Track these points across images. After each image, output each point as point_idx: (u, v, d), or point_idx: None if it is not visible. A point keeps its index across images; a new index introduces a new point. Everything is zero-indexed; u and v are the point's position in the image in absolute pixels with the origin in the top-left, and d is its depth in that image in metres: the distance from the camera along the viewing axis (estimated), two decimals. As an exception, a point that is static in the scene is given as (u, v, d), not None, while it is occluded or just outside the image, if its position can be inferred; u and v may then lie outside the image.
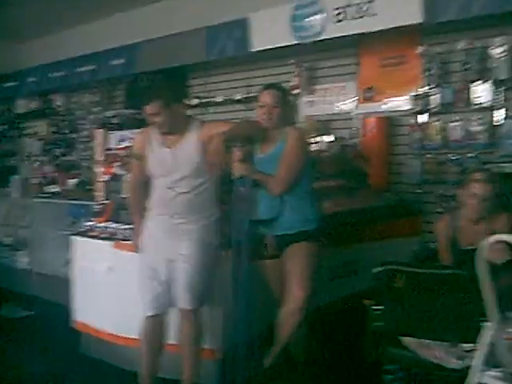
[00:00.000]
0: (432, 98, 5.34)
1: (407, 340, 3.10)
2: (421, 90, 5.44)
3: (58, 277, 5.56)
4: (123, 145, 4.76)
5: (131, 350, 3.94)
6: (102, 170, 4.98)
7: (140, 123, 6.48)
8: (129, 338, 4.02)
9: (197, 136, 3.58)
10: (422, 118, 5.45)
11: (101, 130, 5.09)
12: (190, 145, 3.57)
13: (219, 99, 6.85)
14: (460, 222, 3.59)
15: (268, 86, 3.79)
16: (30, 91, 9.13)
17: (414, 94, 5.48)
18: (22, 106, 9.49)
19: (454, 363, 2.97)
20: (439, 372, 3.04)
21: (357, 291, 4.52)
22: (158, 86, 4.12)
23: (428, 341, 3.01)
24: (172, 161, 3.57)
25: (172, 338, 3.70)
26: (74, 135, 8.66)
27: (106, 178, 4.86)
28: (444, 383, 3.10)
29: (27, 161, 8.95)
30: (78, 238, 4.55)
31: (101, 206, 4.65)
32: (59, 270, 5.63)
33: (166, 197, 3.60)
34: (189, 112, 5.54)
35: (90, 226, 4.51)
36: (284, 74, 6.30)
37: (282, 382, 3.55)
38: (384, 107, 5.85)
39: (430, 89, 5.36)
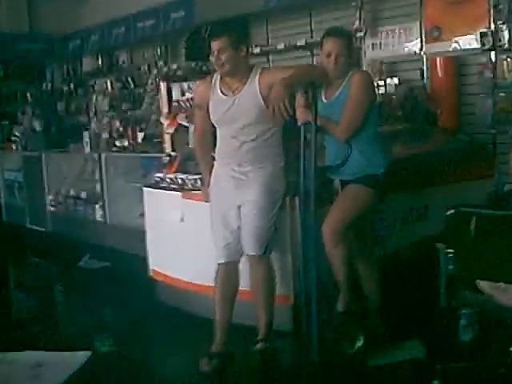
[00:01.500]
0: (501, 34, 5.13)
1: (482, 283, 3.05)
2: (489, 28, 5.23)
3: (132, 228, 5.69)
4: (187, 96, 4.77)
5: (206, 298, 4.03)
6: (168, 121, 5.03)
7: (203, 75, 6.55)
8: (203, 286, 4.11)
9: (258, 82, 3.54)
10: (492, 56, 5.26)
11: (164, 82, 5.11)
12: (251, 92, 3.54)
13: (281, 46, 6.76)
14: None
15: (331, 32, 3.67)
16: (94, 49, 9.29)
17: (482, 31, 5.27)
18: (87, 64, 9.68)
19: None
20: (512, 315, 2.99)
21: (430, 236, 4.51)
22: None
23: (504, 284, 2.95)
24: (234, 108, 3.55)
25: (247, 284, 3.75)
26: (139, 90, 8.79)
27: (172, 129, 4.91)
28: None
29: (96, 117, 9.16)
30: (150, 190, 4.65)
31: (169, 158, 4.71)
32: (133, 221, 5.77)
33: (231, 146, 3.61)
34: (251, 61, 5.51)
35: (159, 177, 4.58)
36: (346, 17, 6.16)
37: (356, 327, 3.56)
38: (451, 46, 5.65)
39: (498, 25, 5.14)
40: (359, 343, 3.53)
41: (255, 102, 3.53)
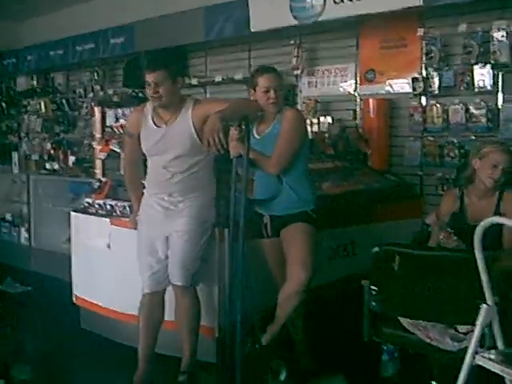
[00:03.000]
0: (432, 80, 5.32)
1: (403, 321, 3.12)
2: (421, 73, 5.43)
3: (57, 253, 5.59)
4: (121, 122, 4.76)
5: (130, 326, 3.97)
6: (100, 147, 5.00)
7: (139, 101, 6.53)
8: (128, 314, 4.05)
9: (191, 115, 3.56)
10: (423, 101, 5.45)
11: (99, 107, 5.08)
12: (183, 123, 3.56)
13: (218, 79, 6.81)
14: (469, 197, 3.54)
15: (267, 69, 3.73)
16: (30, 69, 9.14)
17: (414, 76, 5.47)
18: (22, 83, 9.50)
19: (449, 345, 2.99)
20: (434, 353, 3.06)
21: (355, 273, 4.58)
22: (165, 56, 4.09)
23: (424, 322, 3.03)
24: (165, 140, 3.55)
25: (170, 315, 3.71)
26: (74, 113, 8.68)
27: (104, 155, 4.87)
28: (439, 364, 3.13)
29: (27, 138, 8.98)
30: (77, 215, 4.59)
31: (99, 183, 4.66)
32: (59, 246, 5.68)
33: (162, 176, 3.61)
34: (188, 91, 5.54)
35: (88, 202, 4.52)
36: (283, 54, 6.28)
37: (280, 360, 3.56)
38: (384, 89, 5.84)
39: (430, 72, 5.35)
40: (282, 376, 3.53)
41: (187, 133, 3.54)
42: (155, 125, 3.61)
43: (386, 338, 3.26)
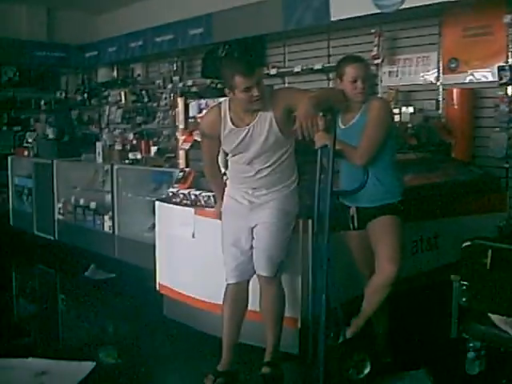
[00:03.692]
0: (519, 69, 5.16)
1: (494, 317, 3.04)
2: (507, 62, 5.26)
3: (140, 241, 5.71)
4: (204, 113, 4.79)
5: (213, 315, 4.02)
6: (184, 137, 5.05)
7: (218, 93, 6.59)
8: (211, 303, 4.10)
9: (271, 109, 3.50)
10: (509, 91, 5.28)
11: (182, 98, 5.14)
12: (265, 119, 3.51)
13: (297, 69, 6.79)
14: None
15: (355, 59, 3.67)
16: (110, 60, 9.36)
17: (500, 65, 5.31)
18: (103, 75, 9.74)
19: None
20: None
21: (438, 266, 4.51)
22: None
23: (517, 319, 2.95)
24: (248, 138, 3.53)
25: (255, 304, 3.74)
26: (153, 104, 8.85)
27: (188, 145, 4.92)
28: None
29: (107, 128, 9.22)
30: (162, 204, 4.65)
31: (182, 173, 4.72)
32: (142, 234, 5.80)
33: (245, 172, 3.61)
34: (266, 82, 5.52)
35: (172, 192, 4.58)
36: (364, 43, 6.21)
37: (363, 354, 3.54)
38: (468, 78, 5.71)
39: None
40: (366, 370, 3.51)
41: (270, 129, 3.51)
42: (234, 125, 3.56)
43: (475, 334, 3.17)
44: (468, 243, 2.99)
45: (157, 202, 4.72)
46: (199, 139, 4.63)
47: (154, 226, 4.88)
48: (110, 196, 6.23)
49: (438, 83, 5.89)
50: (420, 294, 4.25)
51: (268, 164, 3.56)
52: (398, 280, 3.46)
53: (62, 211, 6.98)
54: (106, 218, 6.22)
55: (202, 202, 4.30)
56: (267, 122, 3.51)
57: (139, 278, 5.31)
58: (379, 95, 6.11)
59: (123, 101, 9.15)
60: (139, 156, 6.10)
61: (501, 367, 3.48)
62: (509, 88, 5.29)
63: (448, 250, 4.50)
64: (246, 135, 3.53)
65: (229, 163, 3.77)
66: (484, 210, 4.89)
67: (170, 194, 4.61)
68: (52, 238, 7.15)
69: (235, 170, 3.70)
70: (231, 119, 3.57)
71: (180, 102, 5.09)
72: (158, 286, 4.71)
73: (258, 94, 3.40)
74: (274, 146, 3.54)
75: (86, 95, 9.86)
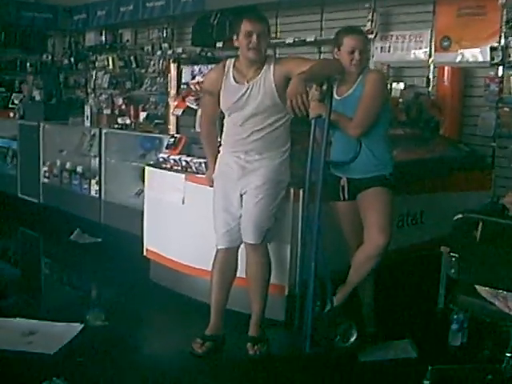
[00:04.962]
0: (511, 50, 5.18)
1: (482, 289, 3.09)
2: (500, 42, 5.28)
3: (127, 206, 5.70)
4: (197, 79, 4.77)
5: (200, 281, 4.05)
6: (176, 103, 5.02)
7: (208, 61, 6.55)
8: (200, 269, 4.12)
9: (272, 72, 3.54)
10: (500, 71, 5.31)
11: (175, 64, 5.10)
12: (265, 80, 3.54)
13: (289, 41, 6.76)
14: None
15: (353, 30, 3.69)
16: (99, 25, 9.23)
17: (492, 45, 5.33)
18: (91, 39, 9.62)
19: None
20: (510, 323, 3.04)
21: (423, 240, 4.57)
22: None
23: (504, 292, 3.00)
24: (246, 96, 3.55)
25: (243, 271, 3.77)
26: (141, 70, 8.77)
27: (180, 111, 4.90)
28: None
29: (94, 93, 9.12)
30: (152, 169, 4.65)
31: (174, 139, 4.70)
32: (128, 200, 5.79)
33: (239, 134, 3.61)
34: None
35: (163, 158, 4.57)
36: (357, 18, 6.18)
37: (350, 322, 3.59)
38: (460, 58, 5.72)
39: (510, 41, 5.19)
40: (352, 339, 3.56)
41: (268, 90, 3.53)
42: (236, 82, 3.61)
43: (462, 306, 3.24)
44: (460, 215, 3.03)
45: (147, 167, 4.71)
46: (191, 105, 4.63)
47: (140, 191, 4.87)
48: (97, 160, 6.19)
49: (430, 61, 5.90)
50: (405, 267, 4.31)
51: (262, 126, 3.56)
52: (386, 250, 3.50)
53: (47, 174, 6.92)
54: (93, 182, 6.19)
55: (193, 169, 4.31)
56: (267, 82, 3.53)
57: (125, 242, 5.30)
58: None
59: (111, 66, 9.06)
60: (128, 121, 6.06)
61: (482, 339, 3.57)
62: (500, 68, 5.32)
63: (433, 226, 4.58)
64: (245, 92, 3.55)
65: (224, 128, 3.76)
66: (470, 188, 4.94)
67: (161, 159, 4.60)
68: (37, 201, 7.09)
69: (229, 133, 3.69)
70: (233, 76, 3.61)
71: (173, 67, 5.06)
72: (145, 251, 4.72)
73: (257, 42, 3.48)
74: (271, 108, 3.54)
75: (72, 59, 9.75)
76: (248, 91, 3.56)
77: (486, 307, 3.07)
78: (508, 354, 3.13)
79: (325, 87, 3.49)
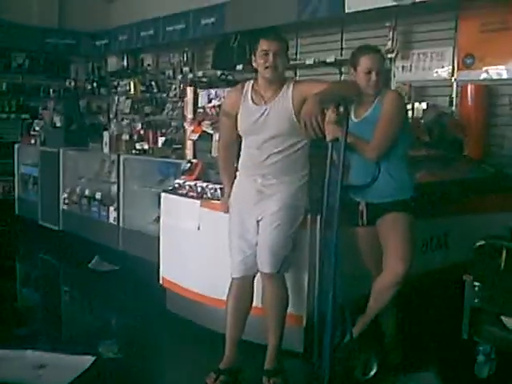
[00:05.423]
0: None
1: (507, 320, 2.94)
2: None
3: (145, 233, 5.64)
4: (213, 103, 4.70)
5: (217, 311, 3.94)
6: (192, 128, 4.96)
7: (228, 84, 6.48)
8: (215, 299, 4.01)
9: (291, 94, 3.46)
10: (525, 88, 5.17)
11: (191, 87, 5.04)
12: (283, 102, 3.46)
13: (310, 61, 6.68)
14: None
15: (370, 49, 3.57)
16: (121, 49, 9.28)
17: (517, 62, 5.19)
18: (113, 64, 9.65)
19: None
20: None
21: (448, 265, 4.41)
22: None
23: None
24: (264, 118, 3.46)
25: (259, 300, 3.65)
26: (162, 94, 8.76)
27: (196, 136, 4.83)
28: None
29: (116, 118, 9.13)
30: (167, 195, 4.57)
31: (189, 165, 4.62)
32: (147, 226, 5.72)
33: (256, 157, 3.52)
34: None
35: (178, 183, 4.50)
36: (378, 37, 6.08)
37: (370, 354, 3.44)
38: (484, 75, 5.57)
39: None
40: (372, 371, 3.41)
41: (286, 113, 3.44)
42: (254, 103, 3.53)
43: (486, 337, 3.08)
44: (482, 242, 2.90)
45: (162, 193, 4.63)
46: (208, 130, 4.56)
47: (158, 218, 4.79)
48: (115, 187, 6.15)
49: (453, 79, 5.77)
50: (430, 293, 4.15)
51: (279, 149, 3.46)
52: (406, 279, 3.36)
53: (67, 201, 6.91)
54: (112, 209, 6.14)
55: (209, 195, 4.22)
56: (285, 104, 3.45)
57: (143, 270, 5.22)
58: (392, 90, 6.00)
59: (132, 91, 9.07)
60: (146, 146, 6.02)
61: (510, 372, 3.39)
62: (525, 86, 5.17)
63: (458, 249, 4.41)
64: (262, 113, 3.47)
65: (241, 152, 3.66)
66: (496, 209, 4.77)
67: (176, 185, 4.52)
68: (57, 228, 7.08)
69: (245, 156, 3.60)
70: (251, 97, 3.54)
71: (189, 91, 5.00)
72: (161, 280, 4.62)
73: (273, 61, 3.42)
74: (289, 131, 3.45)
75: (95, 84, 9.79)
76: (266, 113, 3.48)
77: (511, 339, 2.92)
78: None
79: (342, 109, 3.39)
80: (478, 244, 2.91)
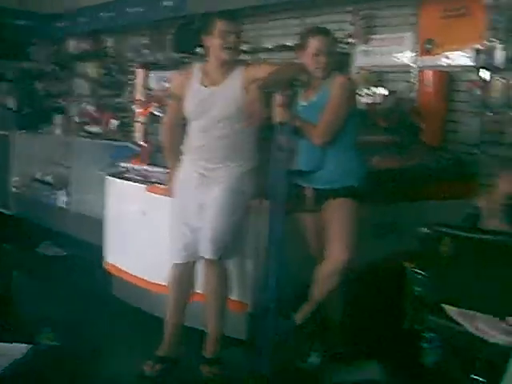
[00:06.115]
0: (496, 53, 4.95)
1: (449, 309, 2.87)
2: (484, 45, 5.06)
3: (96, 218, 5.48)
4: (164, 86, 4.57)
5: (163, 297, 3.82)
6: (141, 110, 4.83)
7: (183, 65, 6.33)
8: (160, 285, 3.90)
9: (241, 76, 3.36)
10: (485, 75, 5.09)
11: (142, 69, 4.90)
12: (232, 85, 3.36)
13: (269, 45, 6.57)
14: None
15: (319, 31, 3.50)
16: (81, 32, 9.07)
17: (477, 48, 5.10)
18: (73, 46, 9.44)
19: (498, 338, 2.72)
20: (481, 346, 2.79)
21: (400, 253, 4.34)
22: None
23: (472, 312, 2.77)
24: (211, 100, 3.36)
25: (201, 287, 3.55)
26: (122, 77, 8.58)
27: (144, 118, 4.70)
28: (484, 358, 2.87)
29: (76, 101, 8.94)
30: (113, 180, 4.45)
31: (137, 148, 4.50)
32: (98, 211, 5.55)
33: (202, 141, 3.42)
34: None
35: (125, 167, 4.37)
36: (339, 22, 5.98)
37: (313, 342, 3.37)
38: (444, 61, 5.49)
39: (494, 44, 4.97)
40: (313, 359, 3.34)
41: (235, 95, 3.34)
42: (203, 85, 3.42)
43: (429, 326, 3.01)
44: (426, 229, 2.80)
45: (108, 178, 4.50)
46: (156, 112, 4.44)
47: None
48: (67, 170, 5.98)
49: (413, 65, 5.69)
50: (379, 280, 4.07)
51: (225, 133, 3.37)
52: (350, 267, 3.28)
53: (18, 185, 6.73)
54: (62, 192, 5.98)
55: (155, 179, 4.09)
56: (234, 88, 3.35)
57: (92, 255, 5.08)
58: (352, 75, 5.91)
59: (92, 74, 8.87)
60: (98, 129, 5.86)
61: (456, 359, 3.32)
62: (484, 72, 5.10)
63: (410, 236, 4.35)
64: (210, 96, 3.37)
65: (187, 135, 3.56)
66: (452, 197, 4.72)
67: (123, 169, 4.39)
68: (7, 211, 6.91)
69: (191, 140, 3.50)
70: (200, 79, 3.44)
71: (139, 73, 4.85)
72: (106, 265, 4.50)
73: (231, 43, 3.33)
74: (235, 115, 3.35)
75: (54, 66, 9.56)
76: (213, 96, 3.37)
77: (454, 328, 2.84)
78: (477, 377, 2.90)
79: (289, 92, 3.29)
80: (422, 231, 2.81)
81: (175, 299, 3.47)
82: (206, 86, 3.41)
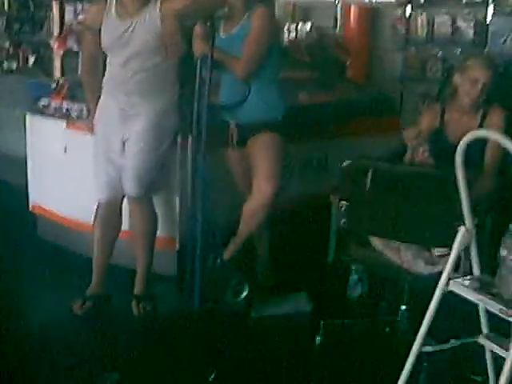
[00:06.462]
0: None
1: (374, 240, 2.94)
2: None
3: (16, 157, 5.29)
4: (79, 18, 4.38)
5: (88, 236, 3.76)
6: (57, 44, 4.61)
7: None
8: (85, 224, 3.80)
9: (159, 8, 3.21)
10: (407, 11, 5.14)
11: (57, 1, 4.66)
12: (150, 17, 3.21)
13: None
14: (450, 113, 3.28)
15: None
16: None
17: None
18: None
19: (422, 268, 2.82)
20: (406, 277, 2.89)
21: (328, 188, 4.38)
22: None
23: (396, 243, 2.85)
24: (129, 33, 3.22)
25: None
26: (40, 13, 8.17)
27: (61, 53, 4.50)
28: (409, 288, 2.98)
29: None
30: (32, 117, 4.28)
31: (56, 84, 4.32)
32: (18, 150, 5.36)
33: (121, 75, 3.30)
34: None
35: (44, 104, 4.20)
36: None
37: (242, 276, 3.40)
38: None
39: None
40: (243, 293, 3.38)
41: (153, 28, 3.21)
42: (119, 17, 3.26)
43: (354, 257, 3.08)
44: (348, 162, 2.84)
45: (27, 115, 4.33)
46: (74, 47, 4.27)
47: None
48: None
49: (337, 0, 5.67)
50: (308, 215, 4.13)
51: (145, 67, 3.25)
52: (275, 201, 3.30)
53: None
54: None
55: (75, 115, 3.96)
56: (152, 20, 3.20)
57: (16, 196, 4.92)
58: (276, 10, 5.83)
59: (6, 7, 8.41)
60: (14, 65, 5.59)
61: (382, 291, 3.44)
62: (407, 9, 5.14)
63: (336, 171, 4.40)
64: (127, 29, 3.22)
65: (106, 69, 3.42)
66: (377, 132, 4.78)
67: (42, 106, 4.22)
68: None
69: (110, 74, 3.37)
70: (116, 11, 3.27)
71: (55, 5, 4.62)
72: (30, 206, 4.38)
73: None
74: (154, 49, 3.23)
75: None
76: (131, 28, 3.22)
77: (379, 259, 2.92)
78: (403, 307, 3.01)
79: (208, 24, 3.22)
80: (345, 164, 2.84)
81: (102, 237, 3.42)
82: (122, 19, 3.25)
